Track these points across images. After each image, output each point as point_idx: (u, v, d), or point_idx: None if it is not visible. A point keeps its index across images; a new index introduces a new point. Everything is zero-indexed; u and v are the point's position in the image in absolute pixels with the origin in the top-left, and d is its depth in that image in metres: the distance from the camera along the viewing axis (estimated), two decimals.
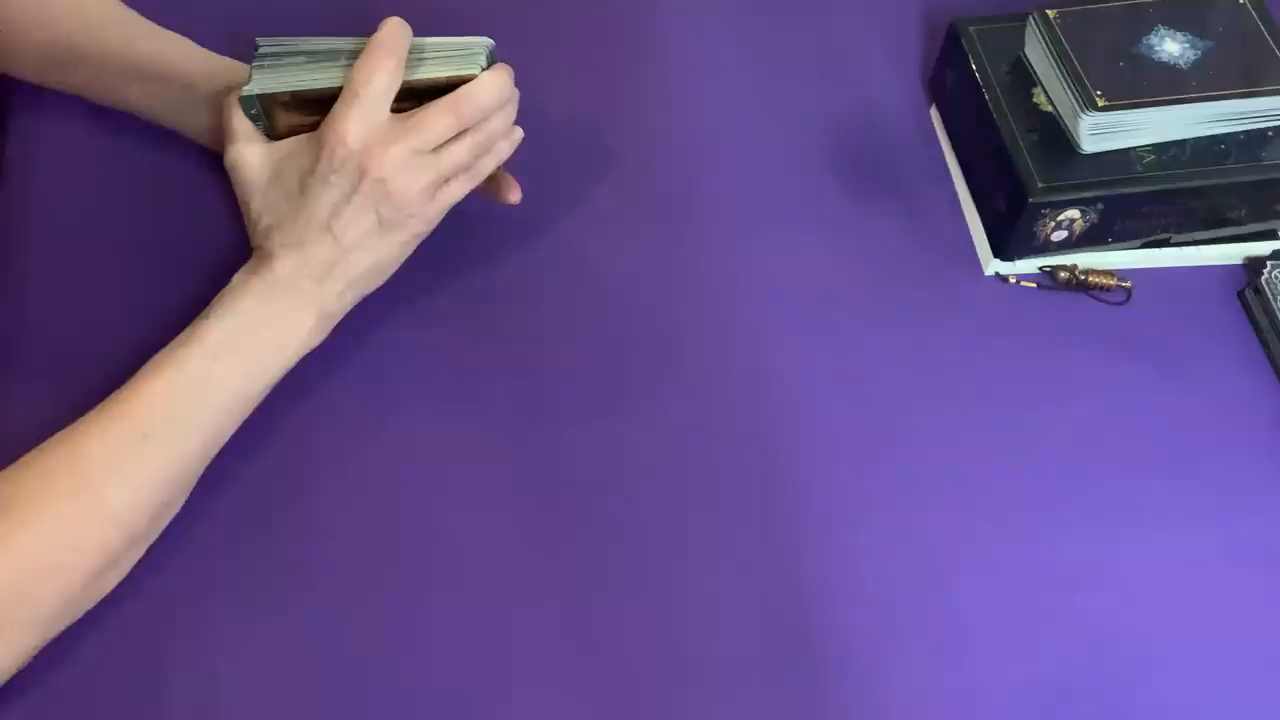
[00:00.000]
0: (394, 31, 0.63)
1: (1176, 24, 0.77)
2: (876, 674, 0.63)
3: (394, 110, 0.63)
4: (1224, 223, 0.78)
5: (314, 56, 0.65)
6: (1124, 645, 0.65)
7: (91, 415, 0.60)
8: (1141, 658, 0.64)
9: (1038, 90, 0.78)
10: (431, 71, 0.65)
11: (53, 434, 0.59)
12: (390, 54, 0.62)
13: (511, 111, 0.67)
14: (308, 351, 0.66)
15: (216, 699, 0.60)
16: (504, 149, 0.68)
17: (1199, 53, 0.76)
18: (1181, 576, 0.67)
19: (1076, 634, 0.65)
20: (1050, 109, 0.77)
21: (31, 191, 0.77)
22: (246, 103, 0.65)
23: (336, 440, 0.69)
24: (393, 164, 0.63)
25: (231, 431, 0.64)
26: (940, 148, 0.85)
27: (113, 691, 0.60)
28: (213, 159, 0.76)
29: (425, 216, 0.66)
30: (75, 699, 0.60)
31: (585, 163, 0.81)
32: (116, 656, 0.61)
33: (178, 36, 0.75)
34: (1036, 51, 0.78)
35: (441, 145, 0.64)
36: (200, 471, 0.63)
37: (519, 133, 0.68)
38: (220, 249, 0.73)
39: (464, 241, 0.69)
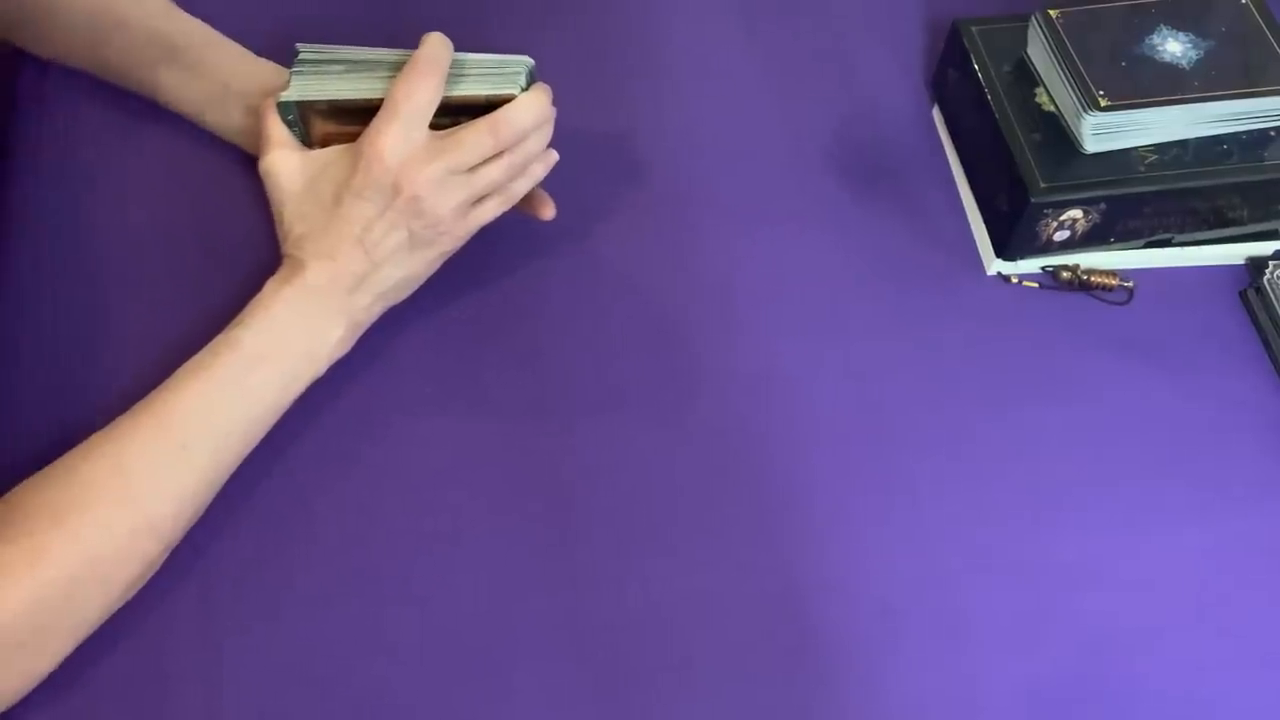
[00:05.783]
0: (436, 48, 0.63)
1: (1178, 24, 0.77)
2: (878, 673, 0.63)
3: (429, 125, 0.63)
4: (1226, 223, 0.79)
5: (353, 66, 0.65)
6: (1125, 644, 0.65)
7: (131, 423, 0.60)
8: (1142, 657, 0.65)
9: (1040, 90, 0.79)
10: (471, 89, 0.65)
11: (66, 434, 0.60)
12: (432, 72, 0.63)
13: (547, 133, 0.67)
14: (334, 361, 0.66)
15: (221, 697, 0.60)
16: (538, 171, 0.68)
17: (1201, 52, 0.76)
18: (1183, 576, 0.67)
19: (1077, 633, 0.65)
20: (1053, 109, 0.77)
21: (41, 189, 0.77)
22: (284, 109, 0.65)
23: (342, 438, 0.69)
24: (428, 183, 0.63)
25: (261, 436, 0.64)
26: (942, 147, 0.85)
27: (117, 690, 0.60)
28: (236, 155, 0.76)
29: (456, 235, 0.67)
30: (77, 697, 0.60)
31: (589, 163, 0.81)
32: (120, 654, 0.61)
33: (220, 34, 0.75)
34: (1039, 51, 0.78)
35: (477, 165, 0.65)
36: (228, 477, 0.64)
37: (554, 155, 0.69)
38: (241, 250, 0.73)
39: (471, 242, 0.69)
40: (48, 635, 0.57)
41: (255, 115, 0.69)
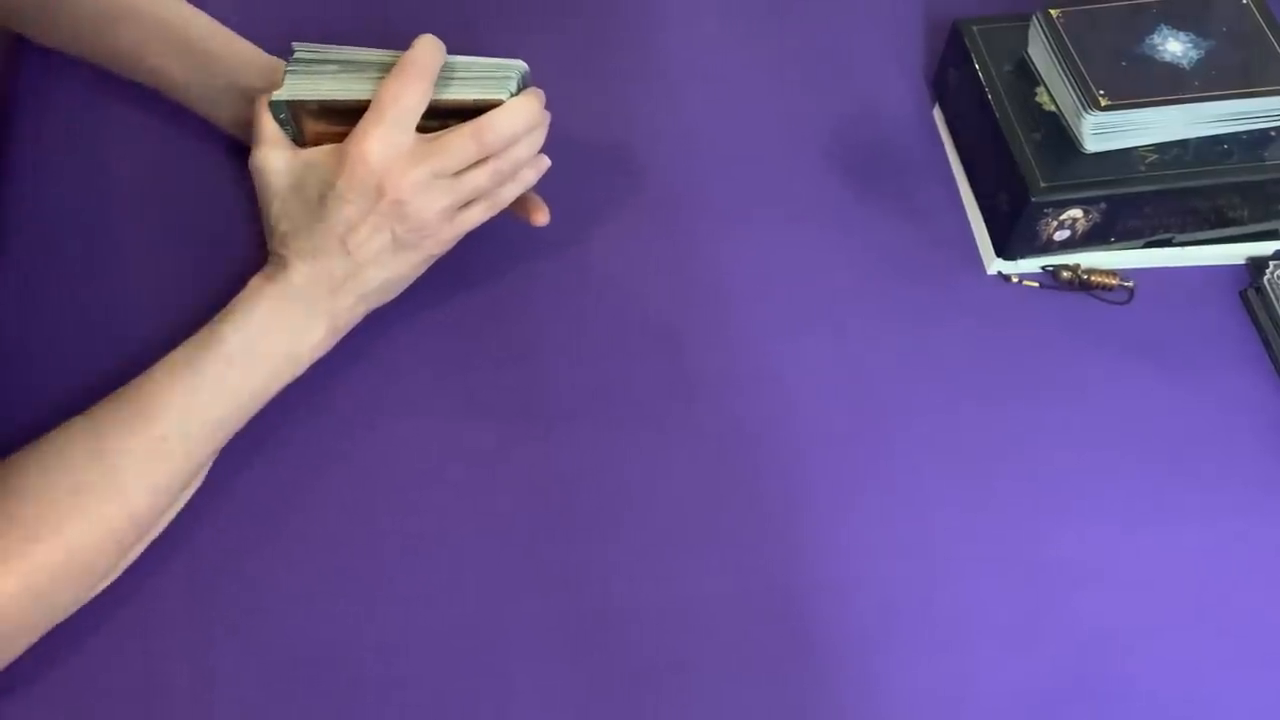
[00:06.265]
0: (427, 51, 0.63)
1: (1179, 23, 0.77)
2: (875, 672, 0.63)
3: (420, 127, 0.63)
4: (1226, 222, 0.79)
5: (346, 66, 0.65)
6: (1123, 644, 0.65)
7: (112, 412, 0.60)
8: (1141, 656, 0.65)
9: (1041, 90, 0.79)
10: (460, 93, 0.64)
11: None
12: (420, 75, 0.62)
13: (538, 139, 0.66)
14: (316, 359, 0.66)
15: (216, 696, 0.61)
16: (529, 177, 0.68)
17: (1201, 52, 0.76)
18: (1182, 575, 0.67)
19: (1075, 632, 0.65)
20: (1053, 108, 0.77)
21: (42, 183, 0.77)
22: (276, 107, 0.65)
23: (335, 440, 0.69)
24: (412, 186, 0.63)
25: (236, 430, 0.65)
26: (943, 147, 0.85)
27: (113, 688, 0.60)
28: (240, 149, 0.76)
29: (441, 239, 0.67)
30: (76, 694, 0.60)
31: (587, 163, 0.81)
32: (116, 653, 0.61)
33: (228, 29, 0.75)
34: (1039, 51, 0.78)
35: (463, 170, 0.64)
36: (205, 471, 0.64)
37: (545, 161, 0.68)
38: (240, 245, 0.73)
39: (462, 243, 0.69)
40: (30, 622, 0.57)
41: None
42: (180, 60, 0.74)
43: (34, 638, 0.58)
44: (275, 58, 0.74)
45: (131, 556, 0.62)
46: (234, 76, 0.73)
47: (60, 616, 0.59)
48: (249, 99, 0.72)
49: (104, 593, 0.61)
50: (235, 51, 0.74)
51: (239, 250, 0.73)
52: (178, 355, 0.62)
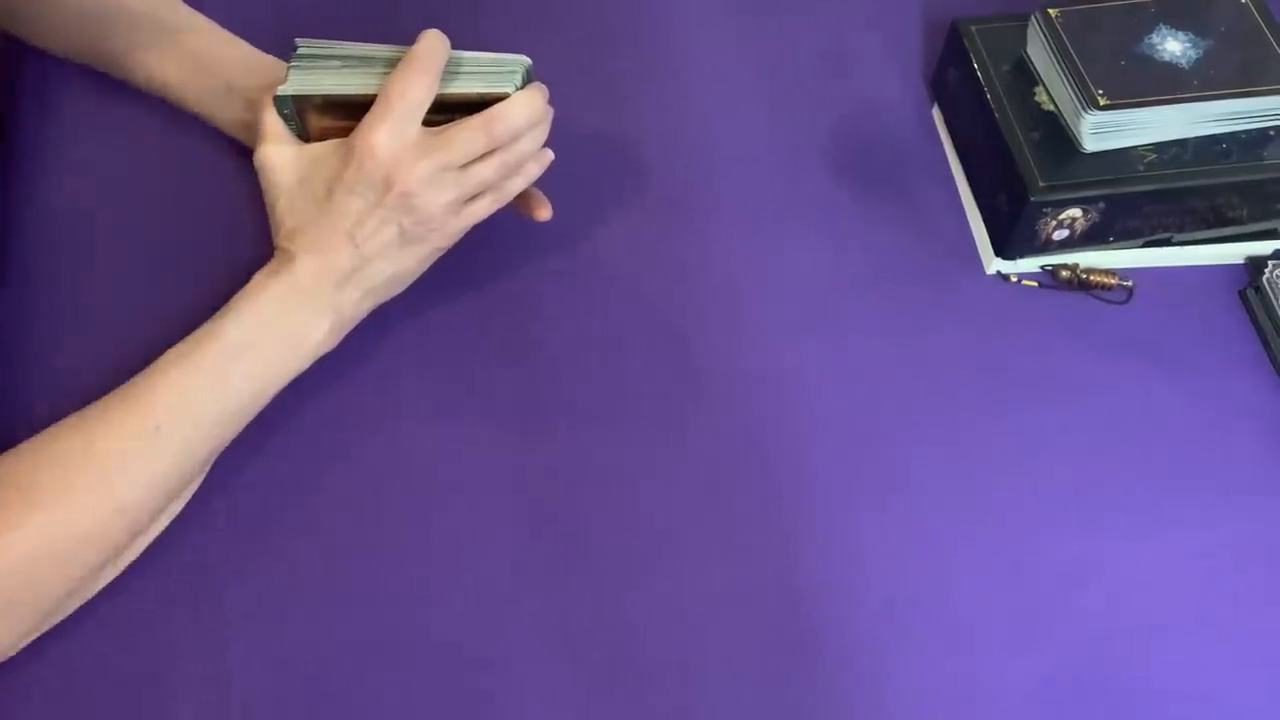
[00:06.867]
0: (432, 45, 0.63)
1: (1178, 23, 0.78)
2: (878, 673, 0.63)
3: (424, 121, 0.63)
4: (1225, 222, 0.79)
5: (350, 61, 0.65)
6: (1124, 644, 0.65)
7: (106, 406, 0.60)
8: (1142, 656, 0.65)
9: (1039, 89, 0.79)
10: (465, 87, 0.64)
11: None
12: (427, 68, 0.62)
13: (542, 133, 0.67)
14: (320, 356, 0.66)
15: (221, 694, 0.61)
16: (533, 170, 0.68)
17: (1200, 52, 0.76)
18: (1182, 575, 0.67)
19: (1077, 633, 0.65)
20: (1052, 108, 0.77)
21: (43, 184, 0.77)
22: (280, 103, 0.65)
23: (339, 438, 0.69)
24: (419, 179, 0.63)
25: (239, 430, 0.64)
26: (942, 146, 0.85)
27: (120, 683, 0.61)
28: (238, 149, 0.77)
29: (447, 232, 0.67)
30: (82, 691, 0.60)
31: (587, 163, 0.81)
32: (124, 649, 0.61)
33: (223, 29, 0.76)
34: (1038, 51, 0.79)
35: (470, 163, 0.65)
36: (206, 469, 0.64)
37: (549, 155, 0.68)
38: (241, 245, 0.73)
39: (467, 241, 0.69)
40: (11, 610, 0.57)
41: (256, 110, 0.69)
42: (177, 62, 0.74)
43: (25, 623, 0.58)
44: (273, 58, 0.74)
45: (131, 554, 0.61)
46: (231, 78, 0.73)
47: (52, 608, 0.59)
48: (247, 100, 0.72)
49: (105, 592, 0.61)
50: (232, 53, 0.74)
51: (238, 250, 0.73)
52: (177, 350, 0.62)
